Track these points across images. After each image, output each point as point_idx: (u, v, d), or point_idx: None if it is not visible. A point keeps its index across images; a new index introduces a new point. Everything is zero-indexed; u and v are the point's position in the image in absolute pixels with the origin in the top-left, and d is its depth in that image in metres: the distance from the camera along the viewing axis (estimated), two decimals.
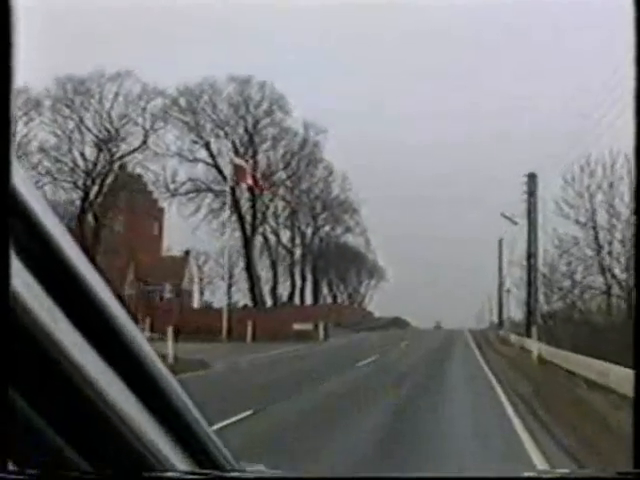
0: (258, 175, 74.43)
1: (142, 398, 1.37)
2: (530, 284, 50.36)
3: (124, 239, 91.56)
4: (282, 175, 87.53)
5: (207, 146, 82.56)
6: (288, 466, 1.79)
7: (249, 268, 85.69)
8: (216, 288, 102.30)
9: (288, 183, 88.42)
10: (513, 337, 52.68)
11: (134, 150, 79.34)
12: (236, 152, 71.58)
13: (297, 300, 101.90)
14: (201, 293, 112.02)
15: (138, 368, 1.36)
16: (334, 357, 41.83)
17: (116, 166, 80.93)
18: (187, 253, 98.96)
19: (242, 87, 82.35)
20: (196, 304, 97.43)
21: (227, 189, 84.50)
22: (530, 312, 49.84)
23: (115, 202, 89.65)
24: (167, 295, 67.96)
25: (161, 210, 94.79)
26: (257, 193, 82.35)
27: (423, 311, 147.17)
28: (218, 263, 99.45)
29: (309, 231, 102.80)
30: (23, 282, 1.04)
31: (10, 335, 1.02)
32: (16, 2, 0.90)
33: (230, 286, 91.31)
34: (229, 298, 74.37)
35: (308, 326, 68.96)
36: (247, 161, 71.74)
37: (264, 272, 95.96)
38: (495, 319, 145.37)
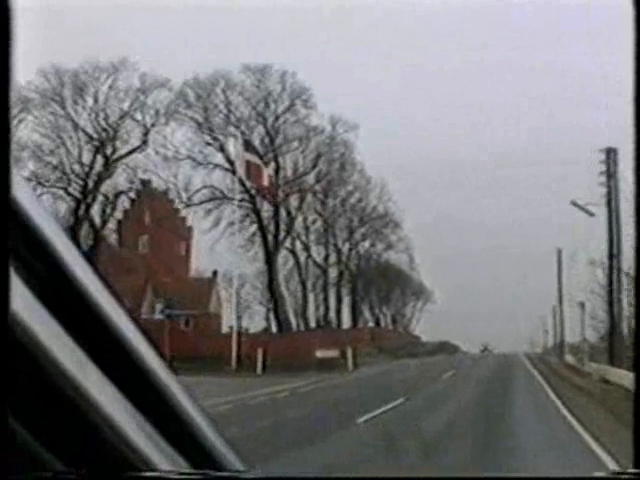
0: (276, 177, 60.86)
1: (132, 396, 1.28)
2: (612, 292, 36.84)
3: (147, 260, 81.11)
4: (309, 180, 74.38)
5: (222, 148, 69.92)
6: (290, 469, 1.29)
7: (271, 287, 72.57)
8: (254, 312, 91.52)
9: (317, 188, 75.12)
10: (588, 364, 39.27)
11: (133, 150, 66.73)
12: (247, 147, 58.33)
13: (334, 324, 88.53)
14: (238, 317, 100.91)
15: (129, 364, 1.28)
16: (343, 400, 28.32)
17: (118, 169, 68.16)
18: (214, 274, 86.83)
19: (259, 78, 69.55)
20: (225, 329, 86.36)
21: (246, 197, 72.54)
22: (613, 330, 36.38)
23: (137, 220, 79.70)
24: (157, 317, 55.11)
25: (189, 229, 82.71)
26: (277, 198, 69.29)
27: (473, 334, 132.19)
28: (255, 287, 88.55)
29: (345, 247, 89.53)
30: (23, 299, 1.01)
31: (10, 357, 0.99)
32: (16, 3, 0.88)
33: (269, 310, 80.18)
34: (239, 321, 61.02)
35: (333, 353, 55.70)
36: (261, 158, 58.28)
37: (296, 293, 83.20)
38: (550, 342, 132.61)
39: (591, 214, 35.21)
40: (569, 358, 61.98)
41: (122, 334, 1.23)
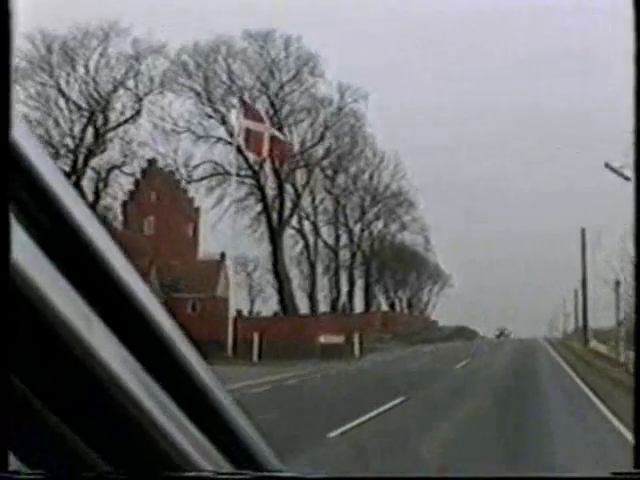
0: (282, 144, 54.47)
1: (168, 390, 1.21)
2: None
3: (152, 241, 76.38)
4: (317, 155, 68.53)
5: (224, 120, 64.29)
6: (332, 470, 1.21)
7: (276, 268, 66.99)
8: (268, 296, 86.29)
9: (325, 164, 69.28)
10: (625, 353, 33.46)
11: (126, 121, 61.16)
12: (246, 112, 52.42)
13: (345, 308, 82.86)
14: (251, 302, 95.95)
15: (164, 356, 1.19)
16: (328, 400, 22.50)
17: (112, 142, 62.55)
18: (222, 257, 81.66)
19: (262, 45, 63.81)
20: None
21: (249, 173, 67.01)
22: None
23: (143, 201, 75.50)
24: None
25: (197, 210, 77.54)
26: (285, 167, 63.49)
27: (491, 319, 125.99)
28: (267, 269, 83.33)
29: (357, 228, 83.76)
30: (24, 249, 0.95)
31: (10, 309, 0.93)
32: (16, 2, 0.89)
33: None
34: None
35: (338, 339, 50.13)
36: (263, 121, 52.18)
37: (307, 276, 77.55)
38: (570, 327, 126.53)
39: (626, 178, 29.38)
40: (595, 344, 56.26)
41: (133, 293, 1.10)
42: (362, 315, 76.48)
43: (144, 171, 74.29)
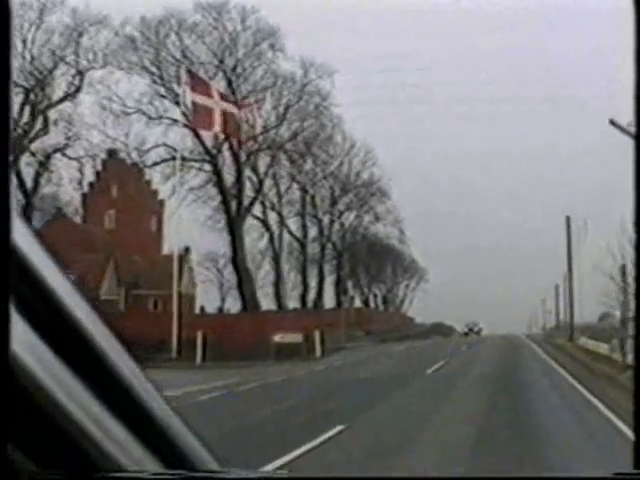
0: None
1: (98, 393, 1.24)
2: None
3: (113, 236, 69.72)
4: (281, 136, 61.44)
5: (177, 101, 57.17)
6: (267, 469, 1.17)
7: (235, 260, 59.99)
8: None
9: (289, 147, 62.19)
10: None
11: (65, 98, 53.98)
12: (193, 85, 45.21)
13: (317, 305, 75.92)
14: (222, 300, 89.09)
15: (94, 358, 1.23)
16: (238, 434, 15.33)
17: (55, 125, 55.35)
18: (187, 251, 74.86)
19: (216, 17, 56.79)
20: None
21: (206, 157, 60.18)
22: None
23: (103, 193, 69.97)
24: None
25: (161, 203, 70.68)
26: (244, 149, 56.63)
27: (468, 315, 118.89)
28: None
29: (326, 219, 76.79)
30: (23, 338, 1.03)
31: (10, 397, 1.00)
32: (14, 3, 0.89)
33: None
34: (179, 302, 48.46)
35: (295, 337, 43.21)
36: (211, 96, 44.87)
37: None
38: (549, 323, 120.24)
39: (635, 137, 22.02)
40: (584, 341, 49.47)
41: (86, 327, 1.14)
42: (332, 312, 69.48)
43: (104, 162, 67.82)
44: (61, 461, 1.17)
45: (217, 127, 45.63)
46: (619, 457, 10.06)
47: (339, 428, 13.89)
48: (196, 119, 46.30)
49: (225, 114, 44.85)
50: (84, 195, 71.04)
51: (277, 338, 42.59)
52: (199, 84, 45.61)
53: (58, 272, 1.04)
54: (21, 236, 0.96)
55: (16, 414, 0.98)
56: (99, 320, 1.19)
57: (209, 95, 44.58)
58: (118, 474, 1.22)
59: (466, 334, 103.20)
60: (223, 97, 45.06)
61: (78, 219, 74.63)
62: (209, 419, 14.45)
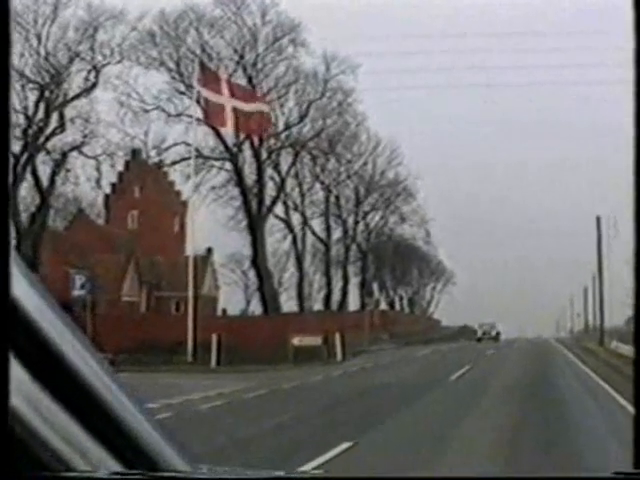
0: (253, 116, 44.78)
1: (53, 391, 1.23)
2: None
3: (136, 237, 68.40)
4: (304, 134, 59.35)
5: (198, 99, 55.24)
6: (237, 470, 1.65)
7: (255, 261, 57.93)
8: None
9: (312, 145, 60.05)
10: None
11: (80, 94, 52.09)
12: (205, 79, 43.03)
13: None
14: (247, 302, 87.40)
15: (48, 353, 1.21)
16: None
17: (73, 122, 53.47)
18: (209, 252, 73.59)
19: (235, 11, 54.77)
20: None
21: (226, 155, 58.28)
22: None
23: (126, 194, 69.97)
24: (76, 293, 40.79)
25: (184, 203, 69.16)
26: (265, 147, 54.72)
27: (496, 318, 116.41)
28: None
29: (351, 220, 74.55)
30: (23, 387, 1.06)
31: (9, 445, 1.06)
32: (14, 5, 0.90)
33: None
34: (195, 304, 46.35)
35: (314, 340, 41.09)
36: (220, 93, 42.71)
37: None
38: (577, 326, 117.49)
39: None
40: (616, 345, 47.06)
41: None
42: (355, 314, 67.33)
43: (127, 163, 66.19)
44: (15, 463, 1.14)
45: (229, 124, 43.60)
46: None
47: (345, 446, 11.75)
48: (210, 115, 44.32)
49: (236, 110, 42.80)
50: (107, 196, 69.82)
51: (295, 341, 40.52)
52: (210, 79, 43.56)
53: (55, 317, 1.05)
54: (20, 286, 0.96)
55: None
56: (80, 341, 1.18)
57: (220, 91, 42.55)
58: (72, 474, 1.19)
59: (479, 339, 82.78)
60: (233, 93, 42.85)
61: (101, 220, 73.42)
62: (198, 433, 12.34)
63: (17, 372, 1.01)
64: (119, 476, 1.28)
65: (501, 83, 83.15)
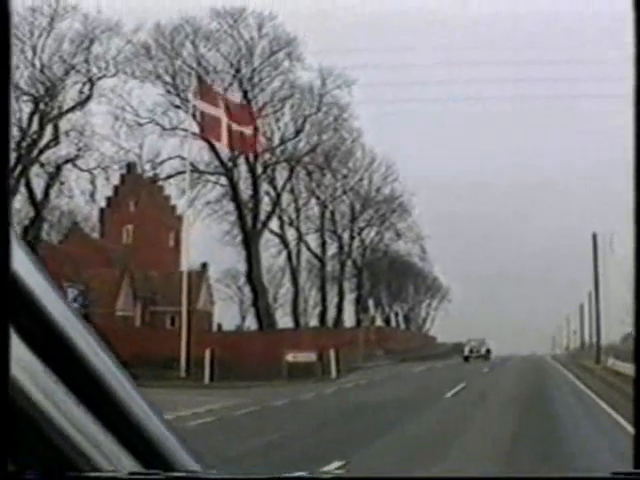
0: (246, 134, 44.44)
1: (81, 397, 1.26)
2: None
3: (130, 251, 67.88)
4: (299, 150, 58.95)
5: (194, 113, 54.86)
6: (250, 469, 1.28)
7: (250, 276, 57.41)
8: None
9: (307, 160, 59.67)
10: None
11: (75, 107, 51.64)
12: (202, 92, 42.63)
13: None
14: (242, 318, 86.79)
15: (79, 367, 1.25)
16: None
17: (67, 135, 53.00)
18: (204, 267, 73.01)
19: (231, 24, 54.38)
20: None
21: (221, 169, 57.89)
22: None
23: (121, 208, 69.08)
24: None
25: (180, 218, 68.64)
26: (260, 162, 54.32)
27: (491, 335, 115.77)
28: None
29: (346, 235, 74.06)
30: (23, 361, 1.05)
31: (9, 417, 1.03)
32: (15, 5, 0.91)
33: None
34: (189, 319, 45.78)
35: (308, 357, 40.52)
36: (218, 106, 42.29)
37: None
38: (573, 343, 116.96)
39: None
40: (612, 362, 46.47)
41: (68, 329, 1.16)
42: (351, 330, 66.76)
43: (123, 177, 65.74)
44: (38, 461, 1.15)
45: (224, 139, 43.17)
46: None
47: (335, 465, 11.21)
48: (206, 129, 43.87)
49: (230, 126, 42.43)
50: (101, 210, 69.49)
51: (290, 357, 39.98)
52: (208, 93, 43.15)
53: (56, 295, 1.06)
54: (20, 262, 0.96)
55: (13, 431, 0.99)
56: (90, 335, 1.20)
57: (216, 105, 42.14)
58: (93, 474, 1.20)
59: (466, 358, 72.67)
60: (229, 108, 42.41)
61: (95, 234, 72.94)
62: None
63: (19, 350, 1.00)
64: (139, 476, 1.27)
65: (500, 96, 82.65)
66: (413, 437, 15.46)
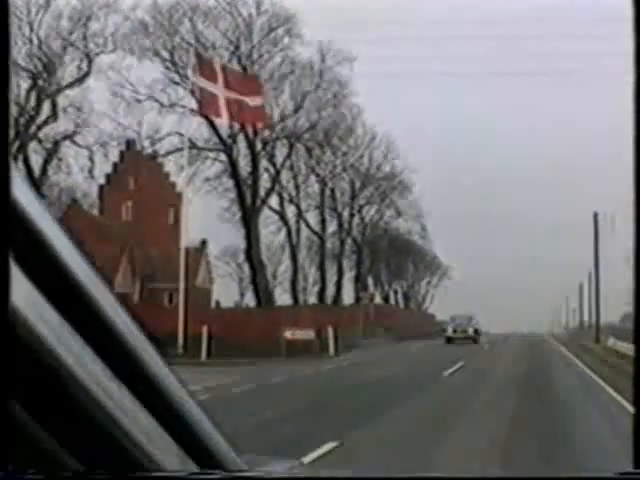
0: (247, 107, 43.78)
1: (138, 396, 1.21)
2: None
3: (130, 228, 67.63)
4: (300, 126, 58.48)
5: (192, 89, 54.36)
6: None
7: (249, 253, 57.11)
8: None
9: (307, 136, 59.23)
10: None
11: (73, 83, 51.22)
12: (201, 68, 42.17)
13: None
14: (241, 295, 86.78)
15: (133, 364, 1.21)
16: None
17: (65, 112, 52.60)
18: (203, 244, 72.65)
19: (230, 0, 53.85)
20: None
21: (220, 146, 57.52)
22: None
23: (121, 185, 67.90)
24: None
25: (179, 195, 68.15)
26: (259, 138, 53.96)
27: (491, 313, 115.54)
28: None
29: (346, 213, 73.67)
30: (23, 293, 1.00)
31: (9, 344, 0.97)
32: (14, 4, 0.91)
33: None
34: (186, 296, 45.47)
35: (306, 334, 40.32)
36: (215, 82, 41.84)
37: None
38: (572, 323, 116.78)
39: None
40: (613, 342, 46.27)
41: (117, 327, 1.14)
42: (350, 308, 66.51)
43: (122, 154, 65.50)
44: (97, 458, 1.12)
45: (224, 114, 42.65)
46: None
47: (330, 445, 10.95)
48: (205, 106, 43.35)
49: (230, 100, 41.93)
50: (101, 187, 69.13)
51: (288, 334, 39.71)
52: (206, 68, 42.62)
53: (58, 228, 1.03)
54: (20, 189, 0.93)
55: (17, 371, 0.95)
56: (99, 279, 1.14)
57: (215, 81, 41.64)
58: (158, 474, 1.17)
59: (449, 339, 59.65)
60: (228, 83, 41.89)
61: (95, 211, 72.62)
62: None
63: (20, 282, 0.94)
64: (198, 476, 1.24)
65: (501, 72, 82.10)
66: (407, 420, 15.17)
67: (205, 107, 43.53)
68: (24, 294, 0.93)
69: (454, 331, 61.24)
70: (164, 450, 1.21)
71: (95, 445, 1.11)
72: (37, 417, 1.04)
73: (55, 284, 1.00)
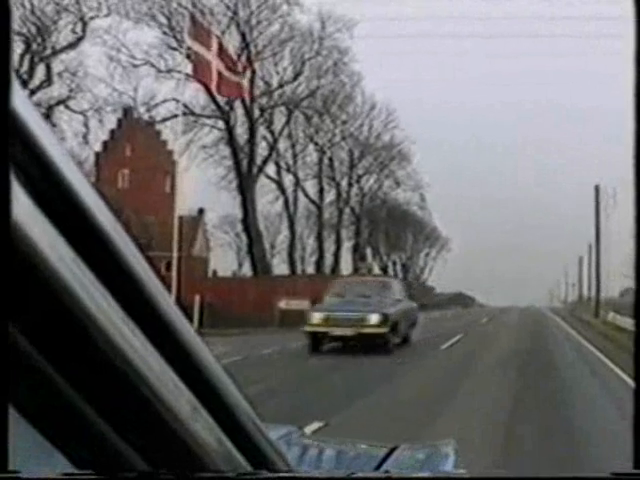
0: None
1: (193, 390, 1.11)
2: None
3: (126, 196, 66.51)
4: (297, 94, 57.45)
5: (189, 55, 53.14)
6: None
7: (245, 221, 56.22)
8: None
9: (305, 104, 58.20)
10: None
11: (67, 47, 50.12)
12: (195, 32, 41.07)
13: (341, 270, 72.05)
14: (239, 264, 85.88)
15: (186, 355, 1.09)
16: None
17: (61, 77, 51.56)
18: (201, 213, 71.75)
19: None
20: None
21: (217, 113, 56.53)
22: None
23: (117, 152, 66.60)
24: None
25: (175, 163, 67.18)
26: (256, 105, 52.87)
27: (491, 285, 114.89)
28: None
29: (344, 182, 72.80)
30: (24, 209, 0.92)
31: (12, 268, 0.89)
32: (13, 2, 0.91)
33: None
34: (179, 266, 44.57)
35: (301, 304, 39.49)
36: (209, 48, 40.60)
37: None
38: (571, 296, 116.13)
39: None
40: (612, 316, 45.49)
41: (126, 257, 0.99)
42: (348, 278, 65.62)
43: (119, 121, 64.50)
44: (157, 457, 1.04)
45: (214, 82, 41.48)
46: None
47: (319, 424, 10.13)
48: (199, 70, 42.17)
49: (220, 71, 40.74)
50: (97, 154, 68.12)
51: (282, 304, 38.96)
52: (201, 33, 41.38)
53: (58, 144, 0.94)
54: (20, 102, 0.87)
55: (19, 289, 0.86)
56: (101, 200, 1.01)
57: (209, 47, 40.41)
58: (209, 474, 1.11)
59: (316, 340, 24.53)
60: (221, 52, 40.67)
61: (91, 179, 71.72)
62: None
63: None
64: (249, 476, 1.15)
65: (503, 45, 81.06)
66: (398, 397, 14.34)
67: (199, 72, 42.37)
68: (25, 210, 0.88)
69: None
70: (220, 450, 1.12)
71: (155, 443, 1.01)
72: (39, 347, 0.90)
73: (56, 201, 0.92)
